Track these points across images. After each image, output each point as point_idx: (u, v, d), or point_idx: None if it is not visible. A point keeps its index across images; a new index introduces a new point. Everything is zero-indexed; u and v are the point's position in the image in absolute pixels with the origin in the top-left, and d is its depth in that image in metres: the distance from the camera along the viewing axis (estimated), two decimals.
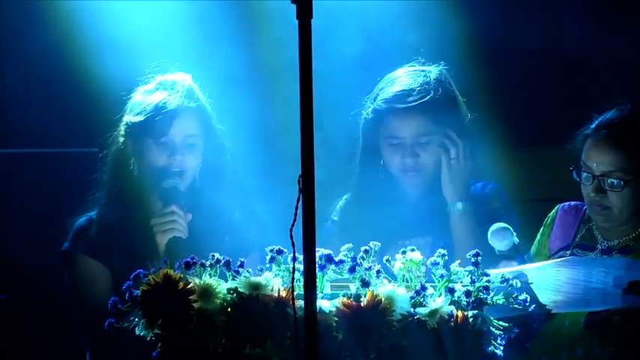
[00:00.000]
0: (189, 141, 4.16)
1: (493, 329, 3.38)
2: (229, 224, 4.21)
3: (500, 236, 3.66)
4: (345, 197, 4.31)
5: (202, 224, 4.17)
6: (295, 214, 3.26)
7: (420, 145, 4.12)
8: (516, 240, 3.68)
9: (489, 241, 3.67)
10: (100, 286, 4.02)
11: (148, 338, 3.33)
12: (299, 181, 2.97)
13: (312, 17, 2.96)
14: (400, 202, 4.18)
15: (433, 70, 4.17)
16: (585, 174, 3.91)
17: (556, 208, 4.10)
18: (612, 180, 3.86)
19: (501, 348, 3.41)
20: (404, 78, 4.14)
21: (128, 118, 4.17)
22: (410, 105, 4.09)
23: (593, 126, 3.94)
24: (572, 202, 4.05)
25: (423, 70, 4.17)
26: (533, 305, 3.42)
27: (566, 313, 3.78)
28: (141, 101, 4.17)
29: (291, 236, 3.14)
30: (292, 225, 3.11)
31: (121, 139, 4.17)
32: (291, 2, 2.98)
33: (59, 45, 5.51)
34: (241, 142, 4.42)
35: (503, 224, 3.70)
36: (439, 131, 4.11)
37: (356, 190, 4.27)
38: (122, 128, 4.17)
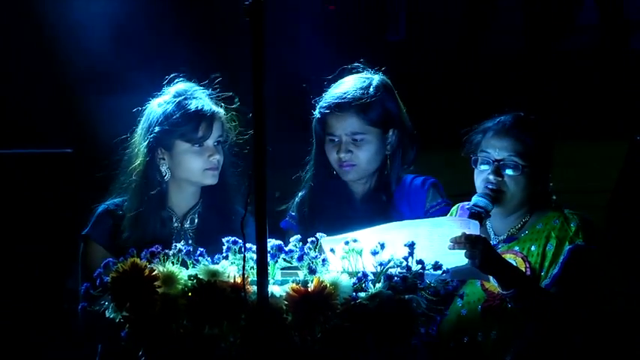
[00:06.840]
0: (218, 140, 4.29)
1: (427, 312, 3.57)
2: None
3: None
4: (300, 194, 4.49)
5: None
6: (246, 208, 3.55)
7: (354, 143, 4.34)
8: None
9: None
10: None
11: (117, 320, 3.54)
12: (250, 177, 3.19)
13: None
14: (348, 196, 4.41)
15: (375, 78, 4.41)
16: (485, 160, 4.08)
17: (457, 206, 4.26)
18: (509, 164, 4.04)
19: (434, 329, 3.64)
20: (347, 82, 4.38)
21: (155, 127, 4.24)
22: (342, 106, 4.32)
23: (495, 121, 4.13)
24: None
25: (367, 77, 4.40)
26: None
27: (463, 303, 4.01)
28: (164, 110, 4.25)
29: (242, 227, 3.36)
30: (243, 217, 3.34)
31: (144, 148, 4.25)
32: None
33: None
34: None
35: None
36: (373, 131, 4.35)
37: (311, 186, 4.44)
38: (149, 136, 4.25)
